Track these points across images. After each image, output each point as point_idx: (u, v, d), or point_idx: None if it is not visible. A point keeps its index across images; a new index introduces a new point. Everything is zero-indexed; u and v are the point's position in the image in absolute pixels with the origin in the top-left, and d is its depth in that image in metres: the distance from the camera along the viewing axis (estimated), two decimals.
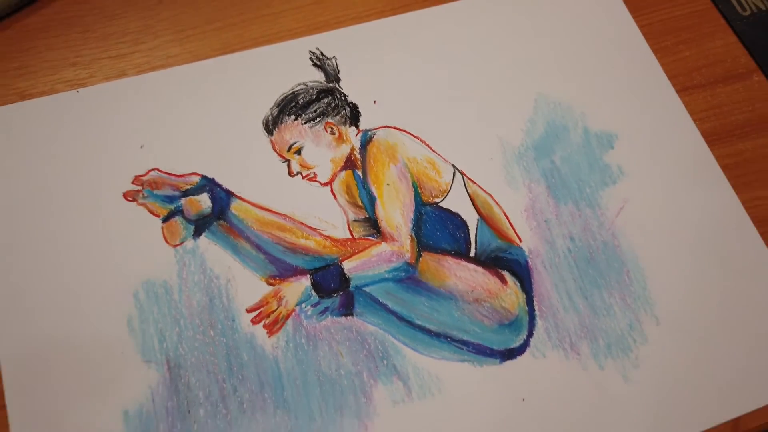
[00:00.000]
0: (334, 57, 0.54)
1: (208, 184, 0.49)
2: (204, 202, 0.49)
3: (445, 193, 0.50)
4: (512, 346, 0.46)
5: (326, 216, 0.49)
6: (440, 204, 0.50)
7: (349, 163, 0.51)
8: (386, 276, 0.48)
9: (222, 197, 0.49)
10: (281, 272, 0.47)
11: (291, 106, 0.52)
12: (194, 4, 0.56)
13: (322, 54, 0.54)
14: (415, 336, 0.46)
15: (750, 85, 0.56)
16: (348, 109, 0.52)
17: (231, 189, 0.49)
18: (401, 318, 0.47)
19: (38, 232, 0.47)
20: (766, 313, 0.48)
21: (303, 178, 0.50)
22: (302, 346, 0.45)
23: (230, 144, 0.51)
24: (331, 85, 0.53)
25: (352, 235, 0.49)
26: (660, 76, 0.55)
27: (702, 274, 0.49)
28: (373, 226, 0.49)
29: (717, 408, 0.46)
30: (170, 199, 0.49)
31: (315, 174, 0.50)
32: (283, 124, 0.52)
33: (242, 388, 0.44)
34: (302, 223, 0.49)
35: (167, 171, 0.50)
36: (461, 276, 0.48)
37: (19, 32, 0.54)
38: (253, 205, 0.49)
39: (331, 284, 0.47)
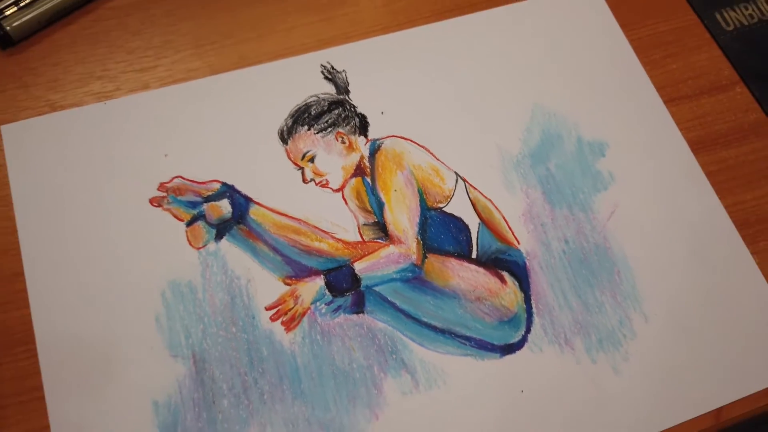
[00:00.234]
0: (344, 70, 0.57)
1: (228, 191, 0.52)
2: (224, 207, 0.51)
3: (449, 199, 0.53)
4: (511, 342, 0.49)
5: (338, 220, 0.52)
6: (444, 209, 0.52)
7: (359, 171, 0.53)
8: (394, 276, 0.50)
9: (241, 203, 0.52)
10: (297, 273, 0.50)
11: (304, 117, 0.55)
12: (212, 20, 0.58)
13: (332, 67, 0.57)
14: (421, 332, 0.49)
15: (733, 96, 0.58)
16: (357, 119, 0.55)
17: (249, 195, 0.52)
18: (408, 315, 0.49)
19: (71, 236, 0.50)
20: (746, 309, 0.51)
21: (316, 184, 0.53)
22: (317, 341, 0.48)
23: (248, 152, 0.53)
24: (341, 96, 0.56)
25: (362, 238, 0.51)
26: (649, 88, 0.58)
27: (687, 273, 0.52)
28: (382, 229, 0.52)
29: (701, 398, 0.48)
30: (193, 205, 0.51)
31: (327, 181, 0.53)
32: (297, 134, 0.54)
33: (262, 380, 0.47)
34: (316, 227, 0.51)
35: (190, 178, 0.52)
36: (464, 276, 0.50)
37: (48, 47, 0.56)
38: (270, 210, 0.52)
39: (344, 284, 0.50)
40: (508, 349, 0.49)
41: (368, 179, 0.53)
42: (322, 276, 0.50)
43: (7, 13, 0.56)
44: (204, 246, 0.50)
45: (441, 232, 0.52)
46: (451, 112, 0.56)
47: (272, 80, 0.56)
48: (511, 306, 0.50)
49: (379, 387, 0.47)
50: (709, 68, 0.59)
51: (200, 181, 0.52)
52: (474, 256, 0.51)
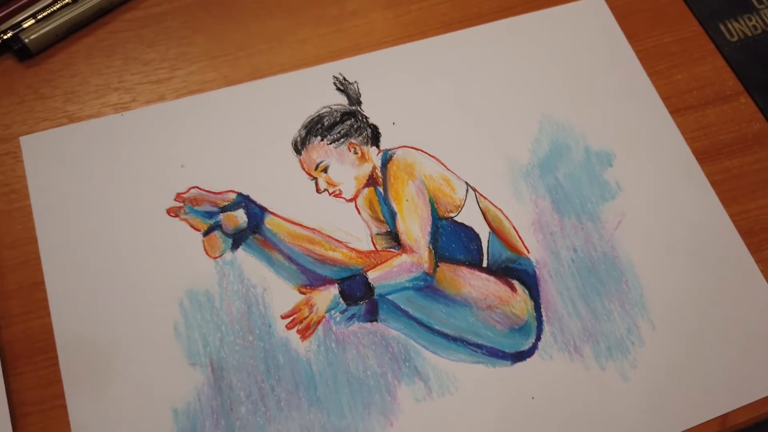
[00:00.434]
0: (355, 81, 0.57)
1: (243, 201, 0.52)
2: (240, 217, 0.52)
3: (459, 208, 0.53)
4: (522, 349, 0.49)
5: (351, 230, 0.52)
6: (455, 218, 0.53)
7: (372, 181, 0.54)
8: (407, 285, 0.51)
9: (256, 213, 0.52)
10: (312, 282, 0.50)
11: (317, 128, 0.55)
12: (226, 33, 0.59)
13: (344, 79, 0.57)
14: (434, 340, 0.49)
15: (737, 107, 0.59)
16: (369, 130, 0.55)
17: (264, 205, 0.52)
18: (421, 323, 0.50)
19: (90, 246, 0.50)
20: (751, 316, 0.52)
21: (330, 194, 0.53)
22: (332, 349, 0.48)
23: (263, 163, 0.54)
24: (353, 107, 0.56)
25: (375, 247, 0.52)
26: (655, 99, 0.58)
27: (692, 281, 0.52)
28: (395, 239, 0.52)
29: (708, 404, 0.49)
30: (209, 215, 0.52)
31: (340, 191, 0.53)
32: (310, 145, 0.55)
33: (279, 387, 0.47)
34: (330, 237, 0.52)
35: (206, 189, 0.52)
36: (475, 285, 0.51)
37: (65, 59, 0.57)
38: (285, 219, 0.52)
39: (357, 293, 0.50)
40: (519, 356, 0.49)
41: (381, 189, 0.53)
42: (336, 285, 0.50)
43: (25, 25, 0.56)
44: (221, 255, 0.50)
45: (452, 242, 0.52)
46: (461, 123, 0.56)
47: (285, 91, 0.56)
48: (522, 314, 0.50)
49: (393, 394, 0.47)
50: (714, 79, 0.60)
51: (216, 191, 0.52)
52: (485, 264, 0.52)
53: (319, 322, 0.49)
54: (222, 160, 0.53)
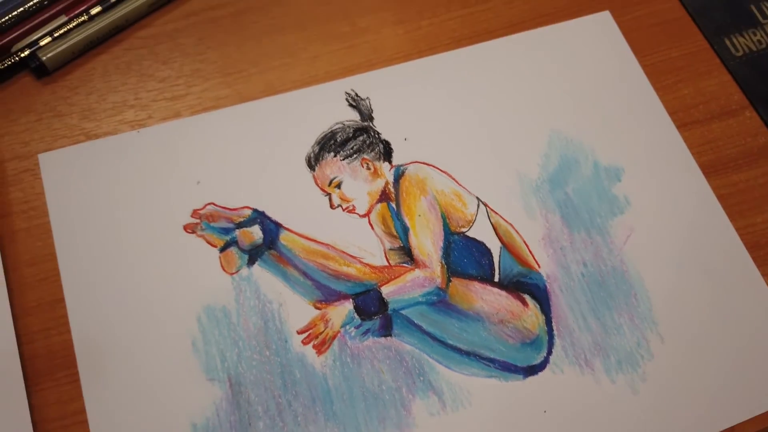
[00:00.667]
0: (367, 97, 0.57)
1: (258, 217, 0.53)
2: (256, 233, 0.52)
3: (471, 223, 0.53)
4: (534, 363, 0.50)
5: (365, 245, 0.52)
6: (466, 233, 0.53)
7: (384, 196, 0.54)
8: (420, 300, 0.51)
9: (272, 229, 0.52)
10: (327, 297, 0.51)
11: (330, 144, 0.55)
12: (239, 49, 0.59)
13: (356, 95, 0.57)
14: (447, 354, 0.50)
15: (742, 121, 0.59)
16: (382, 146, 0.56)
17: (279, 221, 0.53)
18: (435, 338, 0.50)
19: (109, 262, 0.50)
20: (757, 329, 0.52)
21: (343, 210, 0.53)
22: (348, 364, 0.49)
23: (277, 179, 0.54)
24: (365, 123, 0.56)
25: (388, 262, 0.52)
26: (662, 113, 0.59)
27: (700, 294, 0.53)
28: (408, 254, 0.52)
29: (716, 416, 0.49)
30: (226, 231, 0.52)
31: (354, 206, 0.54)
32: (323, 161, 0.55)
33: (296, 402, 0.47)
34: (344, 252, 0.52)
35: (222, 205, 0.53)
36: (487, 299, 0.51)
37: (82, 76, 0.57)
38: (300, 235, 0.52)
39: (372, 308, 0.50)
40: (531, 370, 0.49)
41: (393, 205, 0.53)
42: (350, 300, 0.50)
43: (42, 43, 0.56)
44: (237, 271, 0.51)
45: (464, 256, 0.52)
46: (472, 138, 0.56)
47: (299, 108, 0.57)
48: (533, 328, 0.50)
49: (407, 408, 0.48)
50: (719, 93, 0.60)
51: (232, 207, 0.53)
52: (496, 279, 0.52)
53: (334, 337, 0.49)
54: (237, 176, 0.54)
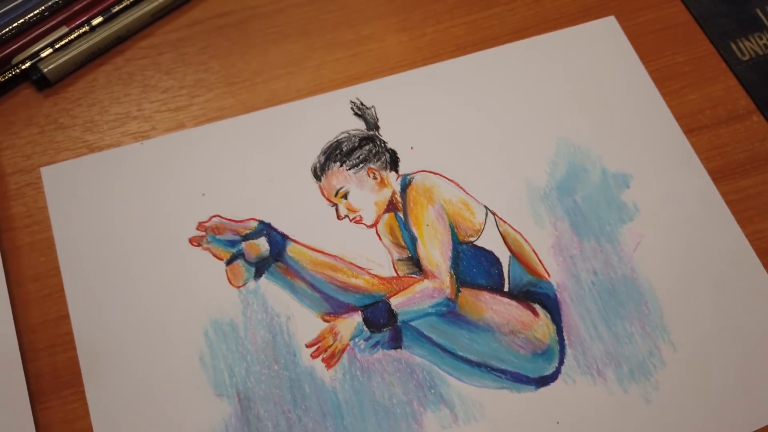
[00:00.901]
0: (373, 106, 0.56)
1: (265, 229, 0.52)
2: (262, 245, 0.51)
3: (479, 233, 0.52)
4: (545, 374, 0.49)
5: (373, 256, 0.51)
6: (475, 243, 0.52)
7: (392, 206, 0.53)
8: (429, 311, 0.50)
9: (278, 240, 0.51)
10: (335, 309, 0.49)
11: (336, 154, 0.54)
12: (242, 58, 0.58)
13: (362, 104, 0.56)
14: (458, 366, 0.48)
15: (750, 126, 0.58)
16: (388, 155, 0.55)
17: (286, 232, 0.52)
18: (445, 350, 0.49)
19: (114, 277, 0.49)
20: None
21: (350, 220, 0.52)
22: (357, 377, 0.48)
23: (283, 190, 0.53)
24: (371, 132, 0.55)
25: (397, 273, 0.51)
26: (669, 119, 0.58)
27: (711, 302, 0.52)
28: (416, 264, 0.51)
29: (729, 426, 0.48)
30: (232, 244, 0.51)
31: (361, 217, 0.52)
32: (329, 171, 0.54)
33: (306, 417, 0.46)
34: (352, 263, 0.51)
35: (228, 217, 0.52)
36: (497, 309, 0.50)
37: (83, 88, 0.56)
38: (307, 247, 0.51)
39: (381, 319, 0.49)
40: (543, 381, 0.48)
41: (401, 214, 0.52)
42: (359, 312, 0.49)
43: (43, 55, 0.55)
44: (244, 284, 0.50)
45: (473, 266, 0.51)
46: (478, 146, 0.55)
47: (304, 117, 0.56)
48: (544, 338, 0.49)
49: (419, 422, 0.47)
50: (726, 98, 0.59)
51: (238, 219, 0.51)
52: (506, 289, 0.51)
53: (343, 350, 0.48)
54: (242, 188, 0.53)
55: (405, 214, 0.52)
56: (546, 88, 0.58)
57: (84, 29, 0.56)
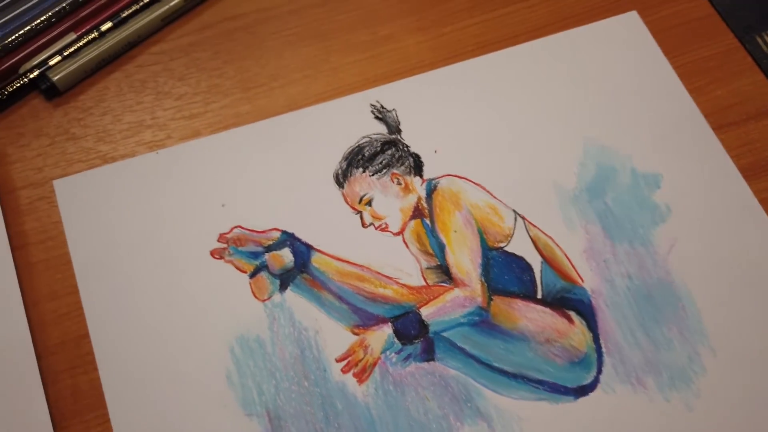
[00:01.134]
0: (393, 109, 0.54)
1: (288, 239, 0.49)
2: (286, 256, 0.49)
3: (509, 238, 0.50)
4: (584, 383, 0.47)
5: (401, 265, 0.49)
6: (505, 248, 0.50)
7: (418, 212, 0.51)
8: (461, 320, 0.48)
9: (302, 251, 0.49)
10: (364, 321, 0.47)
11: (358, 159, 0.52)
12: (258, 62, 0.56)
13: (382, 107, 0.54)
14: (494, 378, 0.46)
15: None
16: (411, 159, 0.52)
17: (310, 242, 0.49)
18: (479, 361, 0.47)
19: (134, 294, 0.47)
20: None
21: (375, 228, 0.50)
22: (391, 392, 0.46)
23: (305, 198, 0.51)
24: (393, 136, 0.53)
25: (426, 282, 0.49)
26: (697, 116, 0.56)
27: (749, 303, 0.50)
28: (445, 272, 0.49)
29: None
30: (255, 255, 0.49)
31: (386, 224, 0.50)
32: (352, 177, 0.51)
33: None
34: (379, 273, 0.49)
35: (249, 228, 0.49)
36: (531, 317, 0.48)
37: (94, 96, 0.53)
38: (332, 257, 0.49)
39: (412, 331, 0.47)
40: (582, 391, 0.46)
41: (427, 221, 0.50)
42: (389, 323, 0.47)
43: (52, 63, 0.53)
44: (269, 298, 0.47)
45: (504, 273, 0.49)
46: (503, 147, 0.53)
47: (323, 122, 0.53)
48: (581, 346, 0.47)
49: None
50: (754, 93, 0.57)
51: (260, 230, 0.49)
52: (539, 296, 0.49)
53: (375, 364, 0.46)
54: (263, 197, 0.50)
55: (432, 221, 0.50)
56: (569, 87, 0.56)
57: (93, 35, 0.54)
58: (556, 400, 0.46)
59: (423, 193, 0.51)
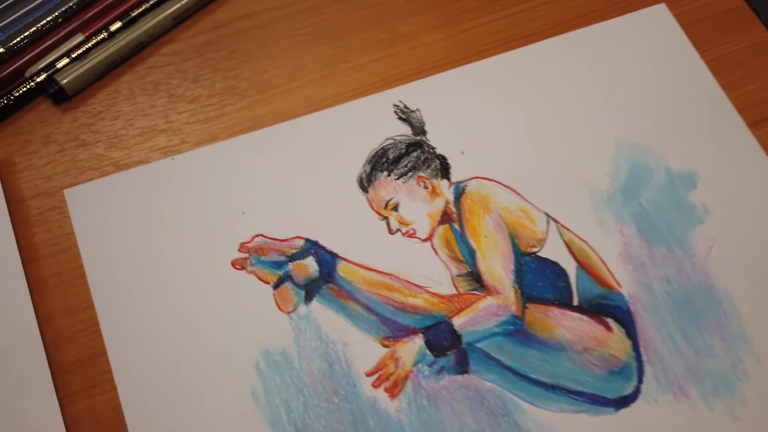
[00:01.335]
0: (417, 109, 0.52)
1: (312, 247, 0.47)
2: (311, 265, 0.46)
3: (542, 242, 0.48)
4: (625, 394, 0.45)
5: (430, 272, 0.47)
6: (538, 253, 0.48)
7: (446, 217, 0.48)
8: (496, 330, 0.46)
9: (327, 260, 0.47)
10: (394, 333, 0.45)
11: (382, 162, 0.50)
12: (274, 62, 0.53)
13: (406, 107, 0.52)
14: (531, 390, 0.44)
15: None
16: (438, 161, 0.50)
17: (335, 250, 0.47)
18: (516, 372, 0.45)
19: (151, 308, 0.45)
20: None
21: (403, 234, 0.48)
22: (424, 407, 0.43)
23: (329, 204, 0.48)
24: (418, 138, 0.51)
25: (457, 290, 0.47)
26: (731, 112, 0.53)
27: None
28: (477, 279, 0.47)
29: None
30: (278, 265, 0.46)
31: (414, 230, 0.48)
32: (377, 181, 0.49)
33: None
34: (408, 281, 0.47)
35: (271, 236, 0.47)
36: (568, 326, 0.46)
37: (105, 100, 0.51)
38: (358, 265, 0.47)
39: (444, 342, 0.45)
40: (622, 402, 0.44)
41: (456, 226, 0.48)
42: (420, 335, 0.45)
43: (59, 65, 0.50)
44: (294, 309, 0.45)
45: (538, 279, 0.47)
46: (532, 148, 0.51)
47: (344, 124, 0.51)
48: (620, 355, 0.45)
49: None
50: None
51: (282, 238, 0.47)
52: (575, 303, 0.46)
53: (407, 378, 0.44)
54: (284, 203, 0.48)
55: (461, 226, 0.48)
56: (598, 83, 0.54)
57: (102, 36, 0.51)
58: (597, 412, 0.44)
59: (451, 197, 0.49)
